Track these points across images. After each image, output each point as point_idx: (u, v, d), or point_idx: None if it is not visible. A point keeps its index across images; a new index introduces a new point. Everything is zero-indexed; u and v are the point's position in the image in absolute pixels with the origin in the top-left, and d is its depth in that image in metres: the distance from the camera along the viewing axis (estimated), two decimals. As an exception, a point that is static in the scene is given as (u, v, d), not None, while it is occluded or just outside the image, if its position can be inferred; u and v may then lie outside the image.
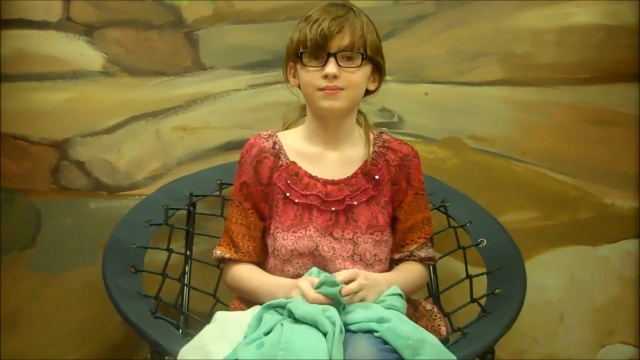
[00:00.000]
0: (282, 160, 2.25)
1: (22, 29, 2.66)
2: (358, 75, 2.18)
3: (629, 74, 2.73)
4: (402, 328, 1.92)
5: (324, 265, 2.18)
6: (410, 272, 2.28)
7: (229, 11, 2.69)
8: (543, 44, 2.73)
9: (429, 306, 2.31)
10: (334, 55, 2.15)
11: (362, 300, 2.05)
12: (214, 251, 2.31)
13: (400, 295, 2.10)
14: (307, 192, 2.21)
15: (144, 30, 2.68)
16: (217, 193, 2.58)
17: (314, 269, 2.13)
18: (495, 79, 2.73)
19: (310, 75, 2.17)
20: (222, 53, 2.69)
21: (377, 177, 2.25)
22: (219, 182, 2.58)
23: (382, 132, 2.34)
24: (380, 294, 2.10)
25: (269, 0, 2.69)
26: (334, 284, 2.01)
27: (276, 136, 2.28)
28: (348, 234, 2.21)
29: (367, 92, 2.26)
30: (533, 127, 2.73)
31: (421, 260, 2.30)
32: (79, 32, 2.67)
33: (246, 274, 2.25)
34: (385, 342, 1.90)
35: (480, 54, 2.72)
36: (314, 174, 2.23)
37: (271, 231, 2.23)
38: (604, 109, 2.74)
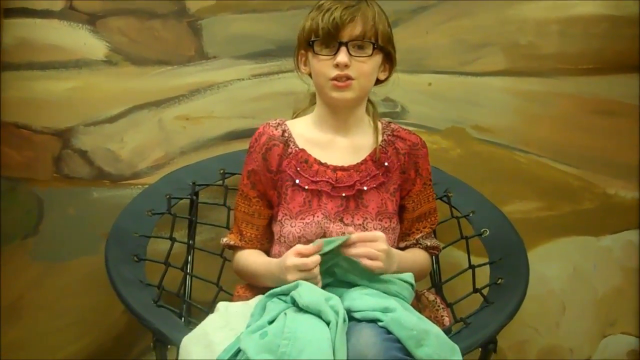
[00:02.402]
0: (291, 148, 2.25)
1: (25, 18, 2.65)
2: (369, 65, 2.19)
3: (633, 64, 2.73)
4: (407, 319, 1.92)
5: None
6: (417, 256, 2.29)
7: (232, 1, 2.68)
8: (547, 34, 2.72)
9: (431, 297, 2.31)
10: (346, 44, 2.16)
11: (379, 268, 2.06)
12: (222, 238, 2.33)
13: (412, 285, 2.10)
14: (317, 179, 2.22)
15: (147, 19, 2.68)
16: (220, 182, 2.58)
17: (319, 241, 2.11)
18: (499, 69, 2.72)
19: (322, 64, 2.18)
20: (225, 42, 2.69)
21: (386, 164, 2.26)
22: (221, 171, 2.58)
23: (390, 122, 2.35)
24: (390, 266, 2.10)
25: (273, -11, 2.69)
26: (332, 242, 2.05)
27: (285, 124, 2.29)
28: (358, 219, 2.21)
29: (378, 82, 2.27)
30: (536, 117, 2.73)
31: (426, 249, 2.31)
32: (82, 21, 2.67)
33: (247, 257, 2.27)
34: (389, 332, 1.90)
35: (483, 44, 2.72)
36: (323, 161, 2.24)
37: (279, 218, 2.24)
38: (608, 99, 2.74)
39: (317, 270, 2.04)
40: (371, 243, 2.06)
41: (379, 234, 2.09)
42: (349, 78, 2.17)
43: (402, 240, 2.30)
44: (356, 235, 2.07)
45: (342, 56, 2.15)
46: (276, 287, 2.09)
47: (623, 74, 2.74)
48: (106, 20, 2.68)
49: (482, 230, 2.50)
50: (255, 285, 2.26)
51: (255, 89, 2.70)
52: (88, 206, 2.69)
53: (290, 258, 2.06)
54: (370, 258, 2.05)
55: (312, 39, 2.18)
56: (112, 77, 2.68)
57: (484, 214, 2.54)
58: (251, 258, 2.26)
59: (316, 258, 2.03)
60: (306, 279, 2.03)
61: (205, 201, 2.59)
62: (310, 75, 2.26)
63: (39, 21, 2.66)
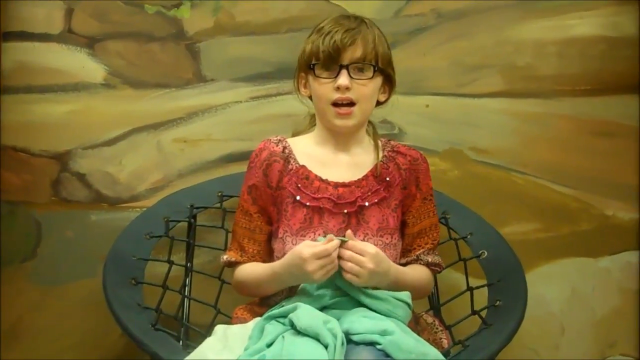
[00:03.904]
0: (291, 164, 2.26)
1: (23, 42, 2.66)
2: (369, 88, 2.20)
3: (630, 85, 2.73)
4: (405, 341, 1.92)
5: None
6: (418, 272, 2.29)
7: (230, 23, 2.69)
8: (544, 55, 2.73)
9: (430, 319, 2.31)
10: (347, 67, 2.17)
11: (356, 283, 2.06)
12: (222, 256, 2.32)
13: (408, 305, 2.10)
14: (319, 195, 2.22)
15: (145, 42, 2.69)
16: (218, 205, 2.58)
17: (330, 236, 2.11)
18: (496, 90, 2.73)
19: (323, 87, 2.20)
20: (223, 65, 2.70)
21: (388, 179, 2.26)
22: (219, 194, 2.58)
23: (389, 140, 2.36)
24: (380, 282, 2.10)
25: (270, 12, 2.69)
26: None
27: (286, 141, 2.30)
28: (359, 235, 2.20)
29: (377, 103, 2.29)
30: (534, 138, 2.73)
31: (428, 265, 2.31)
32: (80, 44, 2.68)
33: (249, 268, 2.26)
34: (387, 355, 1.90)
35: (481, 66, 2.72)
36: (324, 177, 2.24)
37: (279, 235, 2.24)
38: (605, 120, 2.74)
39: (335, 254, 2.04)
40: (359, 258, 2.05)
41: (371, 249, 2.07)
42: (350, 101, 2.18)
43: (403, 257, 2.30)
44: (351, 243, 2.06)
45: (343, 79, 2.16)
46: (276, 305, 2.12)
47: (621, 95, 2.74)
48: (105, 44, 2.69)
49: (480, 252, 2.49)
50: (254, 306, 2.26)
51: (253, 111, 2.70)
52: (86, 229, 2.68)
53: (306, 249, 2.05)
54: (352, 271, 2.05)
55: (313, 62, 2.20)
56: (111, 100, 2.69)
57: (482, 235, 2.53)
58: (252, 268, 2.26)
59: (335, 242, 2.04)
60: (325, 267, 2.03)
61: (203, 224, 2.59)
62: (310, 97, 2.27)
63: (37, 45, 2.67)
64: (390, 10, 2.70)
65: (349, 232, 2.07)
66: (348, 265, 2.05)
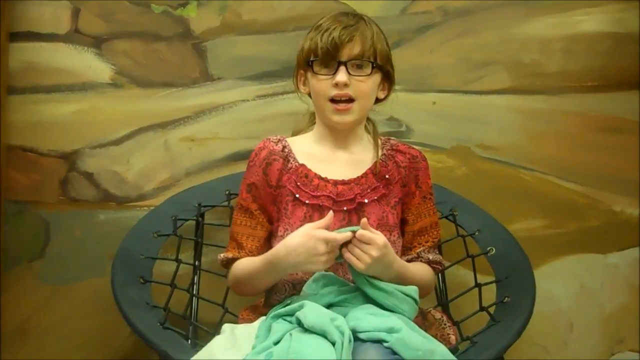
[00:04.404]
0: (291, 163, 2.26)
1: (30, 42, 2.67)
2: (368, 84, 2.20)
3: (637, 81, 2.73)
4: (412, 339, 1.92)
5: (335, 266, 2.16)
6: (420, 269, 2.28)
7: (237, 22, 2.70)
8: (550, 52, 2.73)
9: (438, 315, 2.31)
10: (345, 63, 2.17)
11: (359, 268, 2.05)
12: (219, 255, 2.31)
13: (415, 300, 2.10)
14: (318, 193, 2.22)
15: (152, 41, 2.69)
16: (226, 203, 2.58)
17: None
18: (503, 87, 2.73)
19: (321, 83, 2.20)
20: (230, 64, 2.70)
21: (387, 176, 2.26)
22: (227, 192, 2.58)
23: (389, 138, 2.36)
24: (382, 272, 2.09)
25: (277, 11, 2.70)
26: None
27: (285, 140, 2.31)
28: None
29: (377, 100, 2.29)
30: (541, 135, 2.73)
31: (429, 263, 2.30)
32: (87, 44, 2.68)
33: (244, 262, 2.25)
34: (395, 353, 1.90)
35: (487, 63, 2.73)
36: (323, 175, 2.24)
37: (280, 233, 2.24)
38: (612, 116, 2.74)
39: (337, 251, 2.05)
40: (365, 245, 2.04)
41: (380, 240, 2.05)
42: (349, 98, 2.18)
43: (404, 254, 2.29)
44: (360, 232, 2.04)
45: (342, 75, 2.16)
46: (279, 304, 2.11)
47: (628, 91, 2.74)
48: (111, 43, 2.69)
49: (488, 249, 2.50)
50: (259, 307, 2.27)
51: (260, 109, 2.70)
52: (94, 228, 2.69)
53: (318, 230, 2.04)
54: (354, 253, 2.05)
55: (311, 59, 2.20)
56: (118, 99, 2.69)
57: (489, 232, 2.53)
58: (247, 261, 2.24)
59: (347, 234, 2.03)
60: (329, 254, 2.04)
61: (211, 222, 2.59)
62: (309, 95, 2.27)
63: (44, 45, 2.68)
64: (396, 8, 2.71)
65: (364, 220, 2.06)
66: (349, 246, 2.05)
